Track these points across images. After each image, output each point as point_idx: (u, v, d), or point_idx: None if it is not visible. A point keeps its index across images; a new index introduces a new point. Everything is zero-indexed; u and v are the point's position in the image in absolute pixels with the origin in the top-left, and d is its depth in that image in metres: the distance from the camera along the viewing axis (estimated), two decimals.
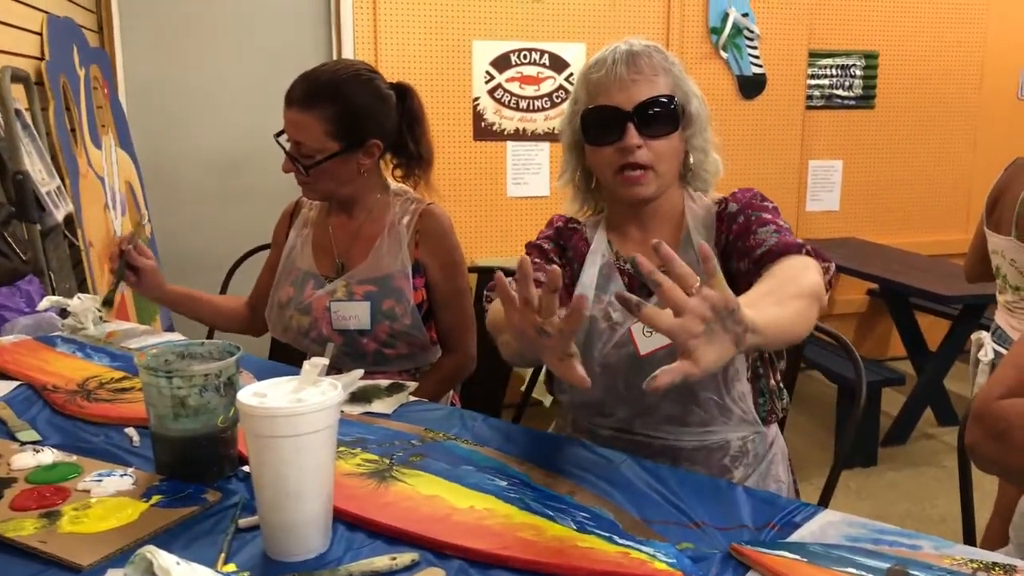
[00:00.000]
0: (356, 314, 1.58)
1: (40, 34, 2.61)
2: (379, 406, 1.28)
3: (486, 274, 2.09)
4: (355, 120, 1.55)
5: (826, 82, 4.33)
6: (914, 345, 4.02)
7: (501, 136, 4.06)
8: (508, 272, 0.94)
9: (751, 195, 1.31)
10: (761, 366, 1.32)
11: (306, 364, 0.88)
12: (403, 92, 1.65)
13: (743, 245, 1.22)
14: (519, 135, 4.11)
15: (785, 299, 1.01)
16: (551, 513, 0.91)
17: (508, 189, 4.09)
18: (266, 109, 3.69)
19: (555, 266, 0.91)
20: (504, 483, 0.99)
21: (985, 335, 2.23)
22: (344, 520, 0.92)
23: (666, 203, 1.33)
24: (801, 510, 0.96)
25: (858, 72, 4.38)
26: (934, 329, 3.95)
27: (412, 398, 1.34)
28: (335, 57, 3.74)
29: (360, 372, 1.35)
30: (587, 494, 0.97)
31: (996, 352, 2.18)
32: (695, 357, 0.81)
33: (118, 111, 3.28)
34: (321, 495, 0.86)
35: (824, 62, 4.32)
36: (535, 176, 4.12)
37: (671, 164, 1.29)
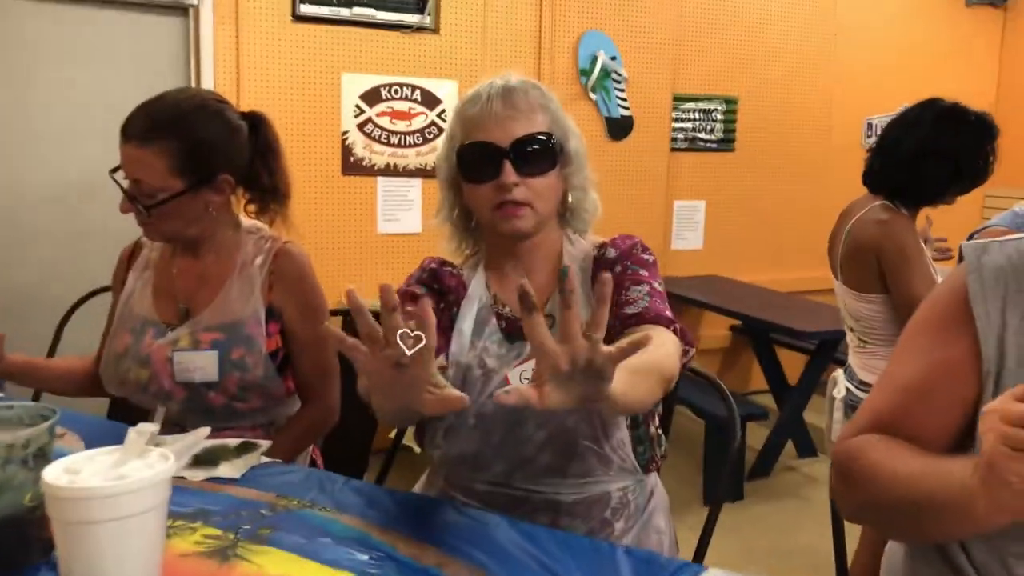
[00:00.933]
0: (202, 365, 1.43)
1: None
2: (226, 470, 1.15)
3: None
4: (202, 154, 1.42)
5: (689, 125, 4.50)
6: (775, 379, 4.17)
7: (371, 171, 3.96)
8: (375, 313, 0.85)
9: (632, 244, 1.30)
10: (640, 414, 1.28)
11: (131, 432, 0.76)
12: (255, 121, 1.53)
13: (614, 297, 1.19)
14: (390, 170, 4.02)
15: (644, 378, 0.99)
16: None
17: (379, 225, 3.99)
18: (114, 143, 3.44)
19: (425, 298, 0.87)
20: (365, 557, 0.89)
21: (839, 373, 2.31)
22: None
23: (545, 242, 1.30)
24: (684, 570, 0.92)
25: (719, 116, 4.58)
26: (793, 364, 4.12)
27: (265, 459, 1.22)
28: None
29: (206, 431, 1.21)
30: (458, 565, 0.89)
31: (848, 390, 2.25)
32: (544, 391, 0.80)
33: None
34: None
35: (687, 106, 4.49)
36: (407, 212, 4.04)
37: (549, 202, 1.26)
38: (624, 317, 1.17)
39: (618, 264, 1.25)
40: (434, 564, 0.89)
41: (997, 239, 0.95)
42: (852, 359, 2.30)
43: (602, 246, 1.31)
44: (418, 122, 3.99)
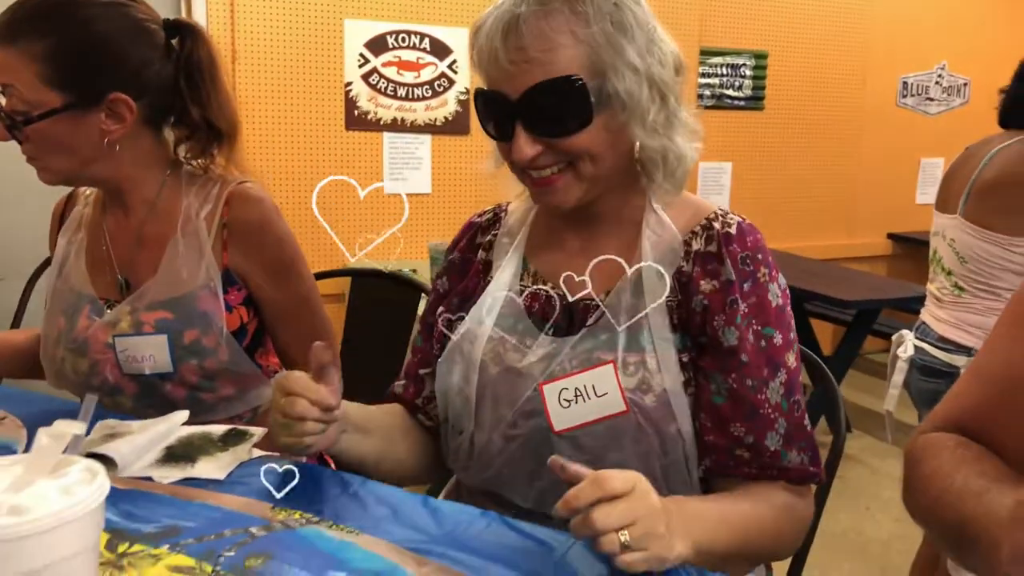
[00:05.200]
0: (150, 353, 1.13)
1: None
2: (207, 468, 0.88)
3: (363, 277, 1.73)
4: (85, 61, 1.09)
5: (716, 81, 4.21)
6: (808, 350, 3.94)
7: (377, 126, 3.69)
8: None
9: (758, 257, 0.95)
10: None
11: (41, 435, 0.50)
12: (183, 32, 1.18)
13: (722, 346, 0.93)
14: (397, 125, 3.75)
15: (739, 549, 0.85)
16: None
17: (386, 185, 3.72)
18: None
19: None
20: None
21: (907, 333, 2.15)
22: None
23: (615, 211, 0.99)
24: None
25: (748, 72, 4.28)
26: (825, 335, 3.89)
27: (258, 452, 0.95)
28: None
29: (184, 415, 0.95)
30: None
31: (917, 348, 2.09)
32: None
33: None
34: None
35: (715, 60, 4.20)
36: (415, 171, 3.77)
37: (601, 161, 0.92)
38: (715, 413, 0.92)
39: (716, 275, 0.94)
40: None
41: None
42: (934, 313, 2.12)
43: (705, 228, 0.97)
44: (427, 73, 3.70)
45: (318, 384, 0.86)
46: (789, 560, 1.13)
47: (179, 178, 1.21)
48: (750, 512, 0.88)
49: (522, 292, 1.02)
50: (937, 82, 4.75)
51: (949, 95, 4.82)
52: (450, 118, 3.76)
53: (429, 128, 3.73)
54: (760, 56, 4.29)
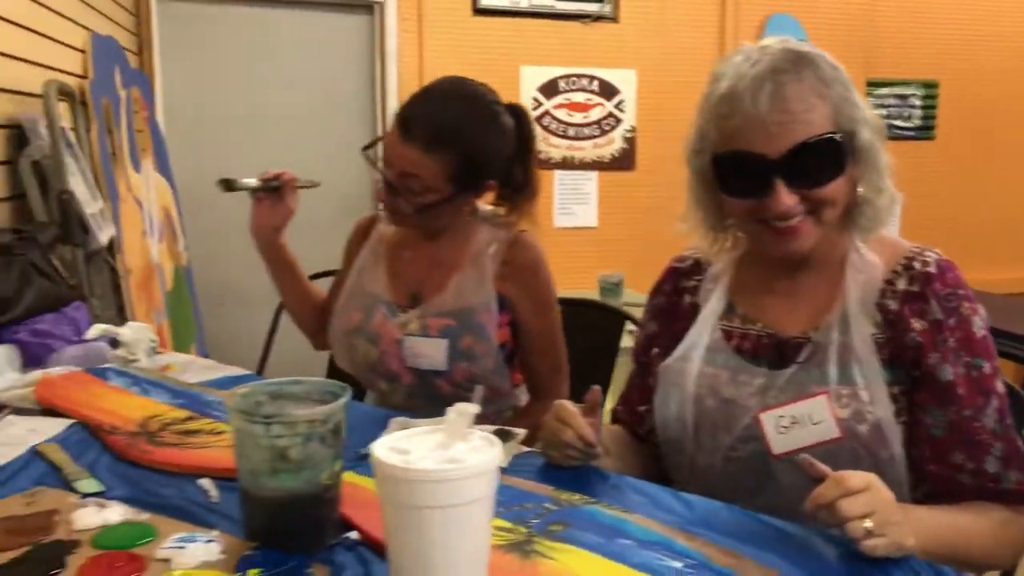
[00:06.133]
0: (430, 353, 1.40)
1: (83, 52, 2.49)
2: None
3: (566, 306, 1.92)
4: (478, 166, 1.40)
5: (884, 112, 4.18)
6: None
7: (547, 164, 3.92)
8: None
9: (959, 293, 1.02)
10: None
11: (451, 411, 0.70)
12: (518, 116, 1.46)
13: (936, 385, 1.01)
14: (566, 163, 3.97)
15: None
16: None
17: (555, 219, 3.94)
18: (305, 138, 3.56)
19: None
20: (679, 564, 0.80)
21: None
22: None
23: (824, 255, 1.09)
24: None
25: (917, 102, 4.23)
26: (1008, 373, 3.73)
27: (524, 448, 1.16)
28: (379, 86, 3.62)
29: (475, 409, 1.16)
30: None
31: None
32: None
33: (157, 135, 3.16)
34: None
35: (882, 91, 4.17)
36: (583, 206, 3.97)
37: (836, 208, 1.03)
38: (934, 444, 1.01)
39: (924, 314, 1.02)
40: None
41: None
42: None
43: (906, 266, 1.05)
44: (595, 113, 3.91)
45: (585, 419, 1.05)
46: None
47: (476, 220, 1.49)
48: (971, 521, 0.97)
49: (731, 332, 1.14)
50: None
51: None
52: (617, 155, 3.95)
53: (596, 165, 3.93)
54: (930, 85, 4.23)
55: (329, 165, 3.57)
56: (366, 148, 1.46)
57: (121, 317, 2.26)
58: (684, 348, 1.16)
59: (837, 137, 0.99)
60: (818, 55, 1.02)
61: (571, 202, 3.91)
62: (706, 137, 1.06)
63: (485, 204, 1.53)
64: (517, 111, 1.45)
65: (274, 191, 1.50)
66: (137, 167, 2.77)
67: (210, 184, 3.64)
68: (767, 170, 0.99)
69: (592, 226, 3.93)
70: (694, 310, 1.20)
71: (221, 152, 3.48)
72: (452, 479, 0.64)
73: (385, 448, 0.68)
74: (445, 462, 0.66)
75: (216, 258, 3.45)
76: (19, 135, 1.98)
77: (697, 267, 1.24)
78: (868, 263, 1.08)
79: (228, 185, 1.46)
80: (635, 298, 3.37)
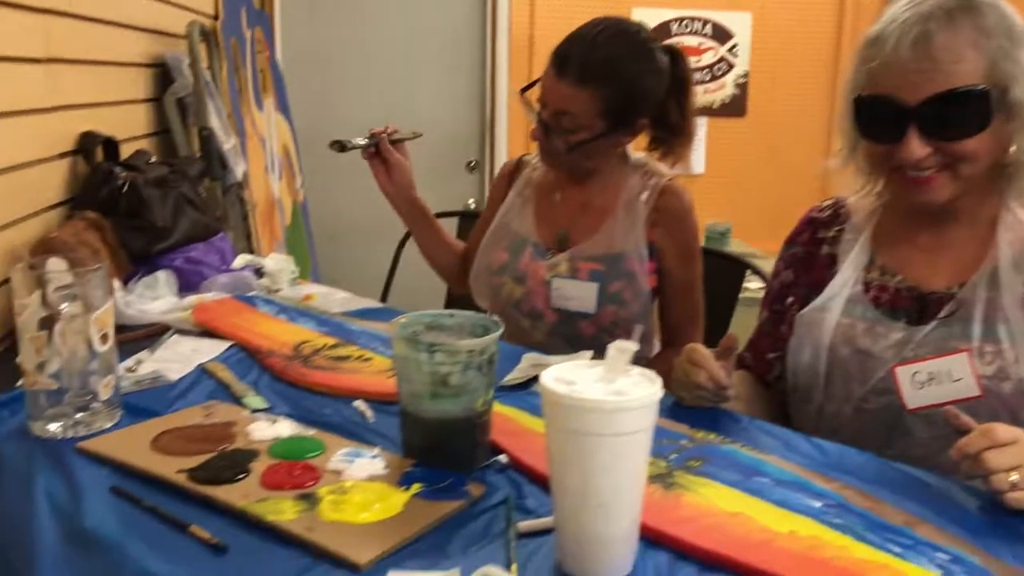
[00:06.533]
0: (579, 295, 1.45)
1: None
2: None
3: None
4: (631, 102, 1.42)
5: None
6: None
7: None
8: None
9: None
10: None
11: (612, 348, 0.74)
12: (674, 56, 1.47)
13: None
14: None
15: None
16: (898, 551, 0.75)
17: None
18: (417, 79, 3.61)
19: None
20: (818, 504, 0.83)
21: None
22: (641, 535, 0.78)
23: (971, 211, 1.08)
24: None
25: None
26: None
27: None
28: (489, 27, 3.63)
29: (634, 347, 1.21)
30: (930, 528, 0.80)
31: None
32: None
33: (278, 76, 3.26)
34: (634, 509, 0.73)
35: None
36: (692, 152, 3.89)
37: (978, 164, 1.01)
38: None
39: None
40: (901, 523, 0.81)
41: None
42: None
43: None
44: (707, 58, 3.81)
45: (718, 362, 1.07)
46: None
47: (626, 165, 1.52)
48: None
49: (869, 283, 1.14)
50: None
51: None
52: (727, 101, 3.86)
53: (706, 111, 3.85)
54: None
55: (440, 106, 3.63)
56: (524, 90, 1.49)
57: (249, 249, 2.40)
58: (823, 299, 1.16)
59: (985, 91, 0.97)
60: (990, 4, 0.99)
61: None
62: (854, 77, 1.07)
63: (637, 152, 1.54)
64: (673, 51, 1.46)
65: (380, 157, 1.56)
66: (260, 106, 2.88)
67: (325, 124, 3.72)
68: (902, 117, 0.99)
69: (699, 173, 3.87)
70: (832, 260, 1.20)
71: (335, 94, 3.57)
72: (622, 409, 0.68)
73: (552, 379, 0.72)
74: (611, 394, 0.70)
75: (331, 199, 3.57)
76: (163, 73, 2.09)
77: (836, 217, 1.24)
78: (1022, 223, 1.06)
79: (341, 146, 1.52)
80: (740, 248, 3.33)
